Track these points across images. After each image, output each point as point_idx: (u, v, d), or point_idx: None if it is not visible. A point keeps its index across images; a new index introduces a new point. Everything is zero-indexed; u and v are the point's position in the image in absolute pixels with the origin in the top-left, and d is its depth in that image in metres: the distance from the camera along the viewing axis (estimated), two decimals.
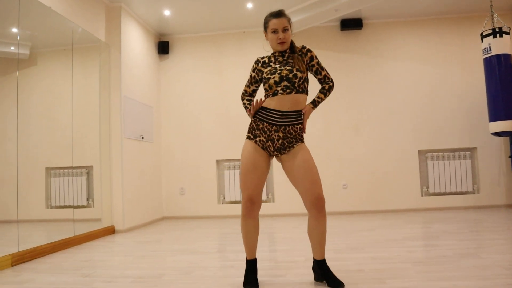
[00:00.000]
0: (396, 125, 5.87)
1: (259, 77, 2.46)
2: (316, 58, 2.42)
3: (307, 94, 2.38)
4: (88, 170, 4.62)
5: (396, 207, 5.74)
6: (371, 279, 2.40)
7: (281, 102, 2.28)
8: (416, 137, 5.83)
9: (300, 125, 2.34)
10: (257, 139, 2.34)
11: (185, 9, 5.35)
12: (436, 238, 3.60)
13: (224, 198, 6.10)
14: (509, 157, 5.50)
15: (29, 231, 3.59)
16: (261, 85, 2.49)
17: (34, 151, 3.78)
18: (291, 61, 2.36)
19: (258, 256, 3.07)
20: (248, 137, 2.38)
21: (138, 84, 5.44)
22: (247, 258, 2.41)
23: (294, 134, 2.31)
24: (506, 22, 5.63)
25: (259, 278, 2.48)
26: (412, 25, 5.95)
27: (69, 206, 4.33)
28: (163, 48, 6.16)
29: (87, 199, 4.60)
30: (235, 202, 6.06)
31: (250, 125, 2.39)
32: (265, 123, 2.32)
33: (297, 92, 2.29)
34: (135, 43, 5.41)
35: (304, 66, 2.35)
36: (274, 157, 2.41)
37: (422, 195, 5.78)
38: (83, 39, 4.53)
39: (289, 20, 2.36)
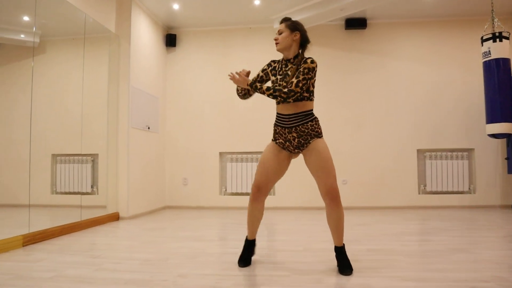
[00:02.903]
0: (396, 123, 5.98)
1: (266, 78, 2.64)
2: (306, 68, 2.37)
3: (307, 100, 2.46)
4: (94, 158, 4.72)
5: (394, 204, 5.87)
6: (366, 268, 2.54)
7: (284, 107, 2.49)
8: (415, 136, 5.95)
9: (310, 122, 2.47)
10: (277, 141, 2.58)
11: (194, 3, 5.44)
12: (430, 234, 3.74)
13: (226, 190, 6.24)
14: (505, 158, 5.62)
15: (37, 215, 3.71)
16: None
17: (41, 138, 3.86)
18: (290, 73, 2.47)
19: (259, 245, 3.22)
20: (272, 139, 2.62)
21: (145, 75, 5.55)
22: (247, 238, 2.67)
23: (307, 131, 2.47)
24: (506, 26, 5.73)
25: (256, 263, 2.62)
26: (415, 26, 6.05)
27: (74, 193, 4.45)
28: (170, 40, 6.26)
29: (92, 186, 4.71)
30: (237, 194, 6.19)
31: (273, 129, 2.61)
32: (279, 127, 2.54)
33: (295, 100, 2.43)
34: (144, 35, 5.51)
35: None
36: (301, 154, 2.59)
37: (419, 193, 5.91)
38: (94, 30, 4.64)
39: (288, 25, 2.49)
